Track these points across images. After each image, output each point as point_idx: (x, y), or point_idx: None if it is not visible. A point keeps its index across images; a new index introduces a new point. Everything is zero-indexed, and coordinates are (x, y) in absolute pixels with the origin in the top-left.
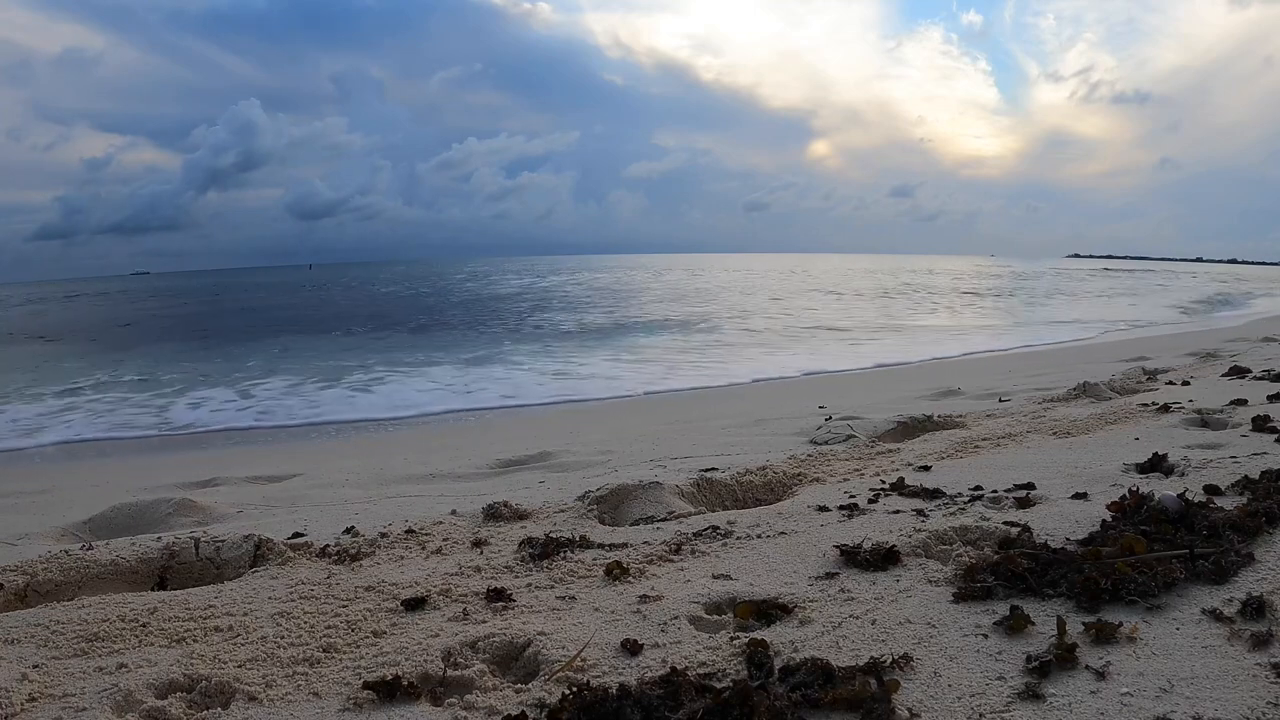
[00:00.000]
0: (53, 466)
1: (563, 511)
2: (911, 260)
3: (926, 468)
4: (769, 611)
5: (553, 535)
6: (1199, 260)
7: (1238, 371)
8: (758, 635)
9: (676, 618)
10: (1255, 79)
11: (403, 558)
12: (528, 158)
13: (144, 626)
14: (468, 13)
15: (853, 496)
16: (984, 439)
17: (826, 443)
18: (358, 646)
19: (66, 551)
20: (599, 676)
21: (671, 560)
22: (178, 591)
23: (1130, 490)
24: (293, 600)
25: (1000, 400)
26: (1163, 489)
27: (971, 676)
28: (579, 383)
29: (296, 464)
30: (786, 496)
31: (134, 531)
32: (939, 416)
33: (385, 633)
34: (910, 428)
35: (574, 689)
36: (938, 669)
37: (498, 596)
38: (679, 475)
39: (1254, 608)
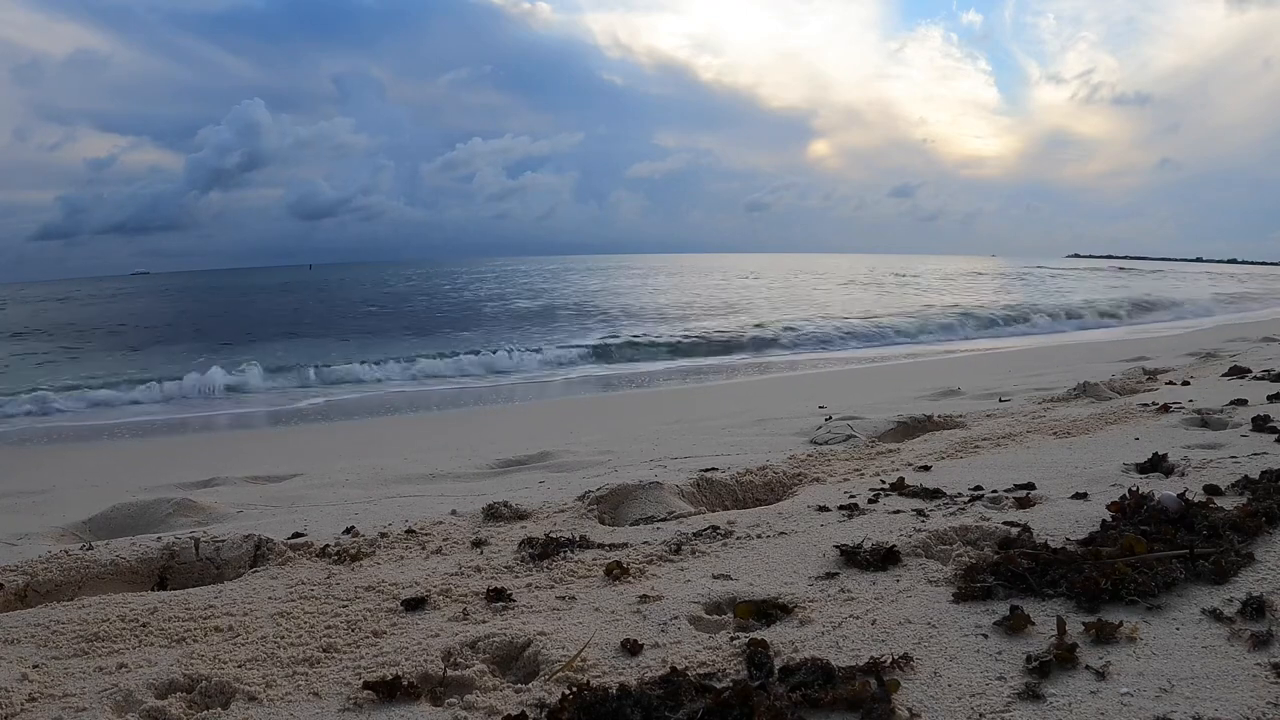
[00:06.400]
0: (53, 466)
1: (563, 511)
2: (923, 260)
3: (926, 468)
4: (769, 611)
5: (553, 535)
6: (1199, 260)
7: (1238, 371)
8: (758, 635)
9: (676, 618)
10: (1255, 80)
11: (403, 558)
12: (530, 158)
13: (144, 626)
14: (466, 12)
15: (853, 496)
16: (984, 439)
17: (826, 443)
18: (358, 646)
19: (66, 551)
20: (599, 676)
21: (671, 560)
22: (178, 591)
23: (1130, 490)
24: (293, 600)
25: (1000, 400)
26: (1163, 489)
27: (971, 676)
28: None
29: (296, 464)
30: (786, 496)
31: (134, 531)
32: (939, 416)
33: (385, 633)
34: (910, 428)
35: (574, 689)
36: (938, 669)
37: (498, 596)
38: (679, 475)
39: (1254, 608)
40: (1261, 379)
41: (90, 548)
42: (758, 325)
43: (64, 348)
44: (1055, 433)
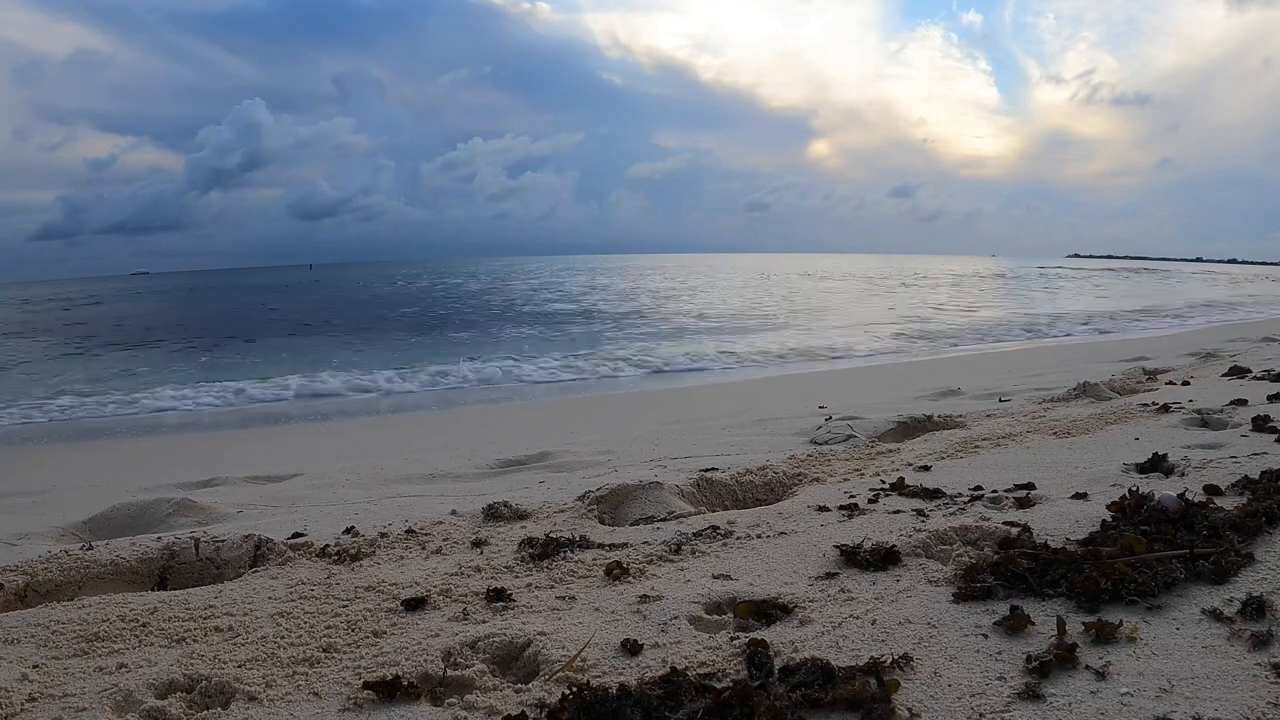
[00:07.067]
0: (53, 466)
1: (563, 511)
2: (927, 261)
3: (926, 468)
4: (769, 611)
5: (553, 535)
6: (1199, 260)
7: (1238, 371)
8: (758, 635)
9: (676, 618)
10: (1254, 80)
11: (403, 558)
12: (530, 158)
13: (144, 626)
14: (466, 12)
15: (853, 496)
16: (984, 439)
17: (826, 443)
18: (358, 646)
19: (66, 551)
20: (599, 676)
21: (671, 560)
22: (178, 591)
23: (1130, 490)
24: (293, 600)
25: (1000, 400)
26: (1163, 489)
27: (971, 676)
28: None
29: (296, 464)
30: (786, 496)
31: (134, 531)
32: (939, 416)
33: (385, 633)
34: (910, 428)
35: (574, 689)
36: (938, 669)
37: (498, 596)
38: (679, 475)
39: (1254, 608)
40: (1261, 379)
41: (90, 548)
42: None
43: (140, 343)
44: (1055, 433)
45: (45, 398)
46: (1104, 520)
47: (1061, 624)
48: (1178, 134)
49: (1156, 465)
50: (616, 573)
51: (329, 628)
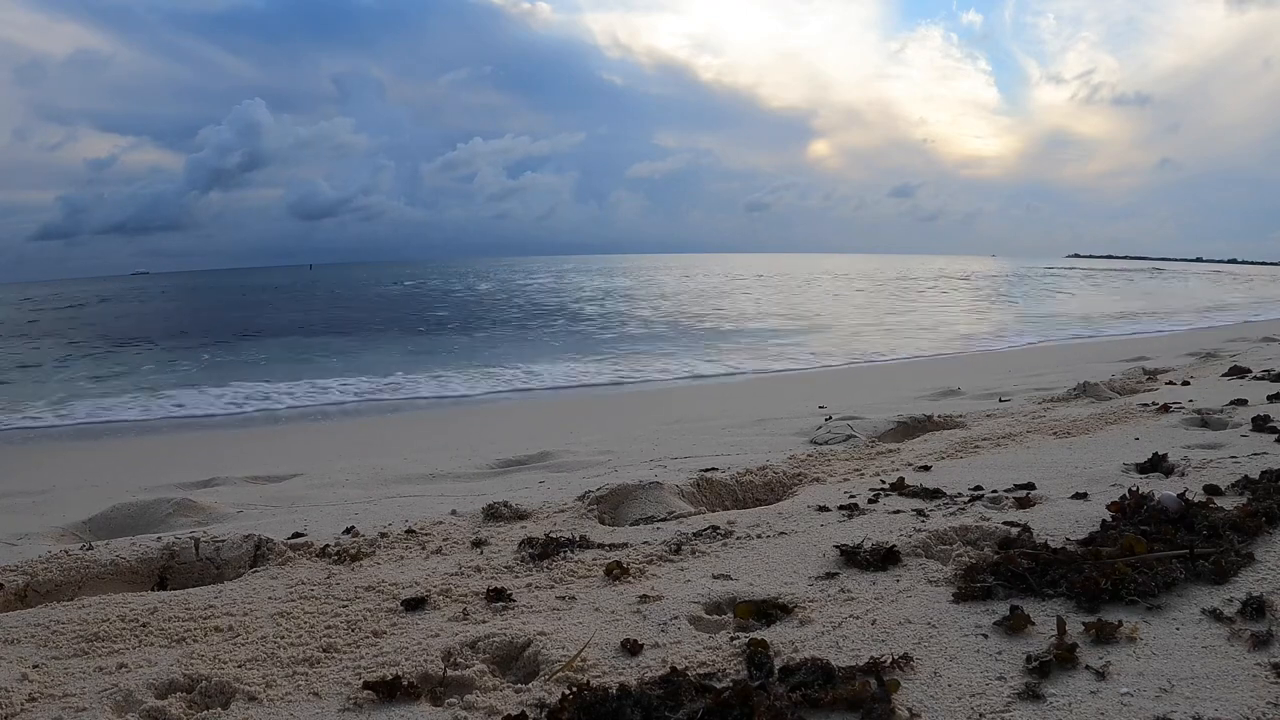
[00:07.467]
0: (53, 466)
1: (563, 511)
2: (929, 261)
3: (926, 468)
4: (769, 611)
5: (553, 535)
6: (1199, 260)
7: (1238, 371)
8: (758, 635)
9: (676, 618)
10: (1255, 80)
11: (403, 558)
12: (530, 158)
13: (144, 626)
14: (466, 12)
15: (853, 496)
16: (984, 439)
17: (826, 443)
18: (358, 646)
19: (66, 551)
20: (599, 676)
21: (671, 560)
22: (178, 591)
23: (1130, 490)
24: (293, 600)
25: (1000, 400)
26: (1163, 489)
27: (971, 676)
28: None
29: (296, 464)
30: (786, 496)
31: (134, 531)
32: (939, 416)
33: (385, 633)
34: (910, 428)
35: (574, 689)
36: (938, 669)
37: (498, 596)
38: (679, 475)
39: (1254, 608)
40: (1261, 379)
41: (90, 548)
42: None
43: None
44: (1055, 433)
45: (49, 398)
46: (1104, 520)
47: (1061, 624)
48: (1178, 134)
49: (1156, 465)
50: (616, 573)
51: (329, 628)
